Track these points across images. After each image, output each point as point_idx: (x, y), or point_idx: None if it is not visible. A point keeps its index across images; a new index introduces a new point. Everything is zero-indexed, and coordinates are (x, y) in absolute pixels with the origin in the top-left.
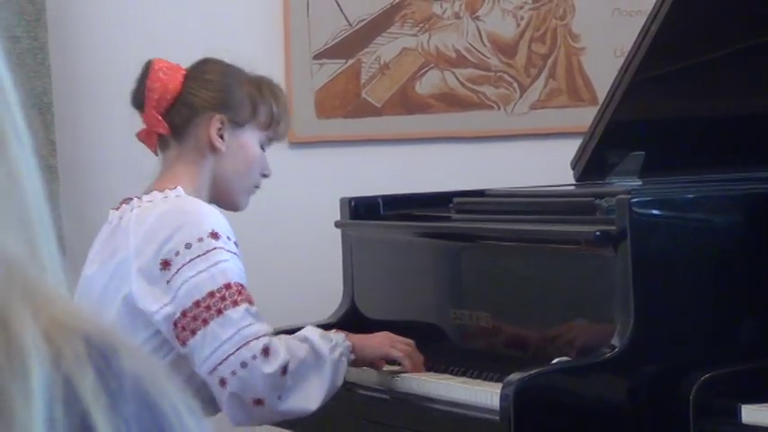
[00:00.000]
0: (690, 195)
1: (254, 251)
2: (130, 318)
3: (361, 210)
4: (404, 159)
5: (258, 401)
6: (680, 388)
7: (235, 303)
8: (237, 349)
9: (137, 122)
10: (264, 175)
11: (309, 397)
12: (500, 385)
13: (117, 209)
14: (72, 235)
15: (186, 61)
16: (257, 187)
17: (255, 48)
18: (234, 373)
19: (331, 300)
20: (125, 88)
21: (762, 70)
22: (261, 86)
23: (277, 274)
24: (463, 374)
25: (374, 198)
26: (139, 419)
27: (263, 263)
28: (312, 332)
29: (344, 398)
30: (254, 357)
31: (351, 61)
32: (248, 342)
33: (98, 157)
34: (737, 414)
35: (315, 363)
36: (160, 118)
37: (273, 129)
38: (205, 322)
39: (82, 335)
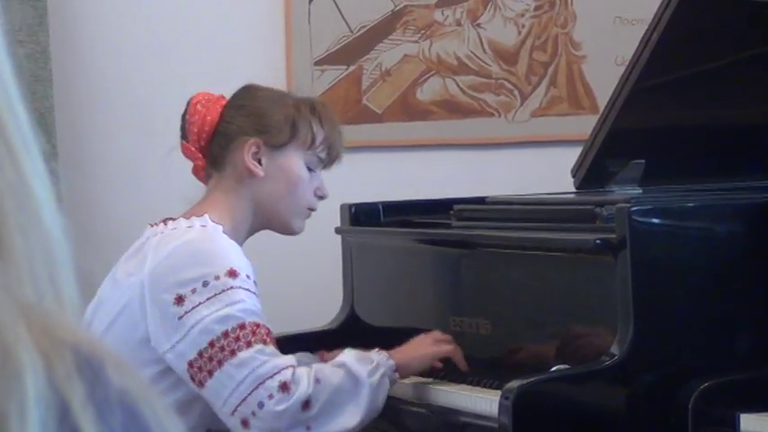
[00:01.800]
0: (690, 204)
1: (255, 257)
2: (142, 352)
3: (361, 216)
4: (404, 166)
5: None
6: (679, 396)
7: (248, 344)
8: (253, 390)
9: (140, 128)
10: (320, 197)
11: (345, 422)
12: (499, 392)
13: (154, 225)
14: (72, 239)
15: (188, 68)
16: (312, 209)
17: (257, 53)
18: (254, 414)
19: (331, 306)
20: (126, 92)
21: (762, 80)
22: (300, 106)
23: (277, 280)
24: (462, 381)
25: (374, 204)
26: (126, 430)
27: (263, 268)
28: (350, 356)
29: None
30: (271, 396)
31: (352, 67)
32: (264, 381)
33: (99, 161)
34: (736, 423)
35: (352, 387)
36: (194, 150)
37: (321, 149)
38: (220, 363)
39: (70, 346)
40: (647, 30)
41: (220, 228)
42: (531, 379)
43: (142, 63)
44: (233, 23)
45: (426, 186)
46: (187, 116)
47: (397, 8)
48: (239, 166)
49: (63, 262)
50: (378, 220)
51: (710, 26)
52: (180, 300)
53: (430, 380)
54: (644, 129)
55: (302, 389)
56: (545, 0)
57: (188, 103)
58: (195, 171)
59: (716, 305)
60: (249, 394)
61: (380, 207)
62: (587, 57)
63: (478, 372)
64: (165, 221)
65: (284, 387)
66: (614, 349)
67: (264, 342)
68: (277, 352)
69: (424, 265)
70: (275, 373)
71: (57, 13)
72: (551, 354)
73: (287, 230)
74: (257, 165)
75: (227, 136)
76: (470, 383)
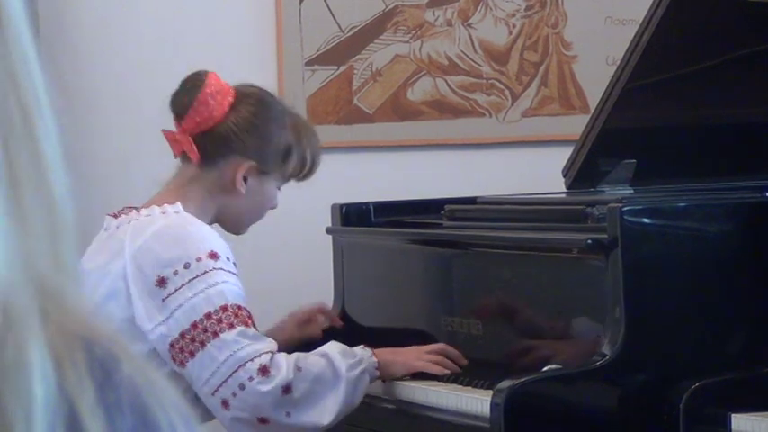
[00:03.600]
0: (681, 204)
1: (245, 257)
2: (128, 333)
3: (352, 216)
4: (395, 166)
5: (263, 420)
6: (670, 396)
7: (230, 326)
8: (234, 372)
9: (131, 128)
10: (272, 208)
11: (322, 412)
12: (490, 392)
13: (115, 216)
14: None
15: (178, 67)
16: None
17: (248, 53)
18: (234, 395)
19: None
20: (117, 92)
21: (753, 79)
22: (300, 134)
23: (268, 280)
24: (453, 381)
25: (365, 205)
26: None
27: (254, 268)
28: (333, 348)
29: None
30: (251, 378)
31: (343, 68)
32: (244, 364)
33: (91, 161)
34: (728, 423)
35: (331, 378)
36: (192, 142)
37: (300, 176)
38: (203, 344)
39: (84, 342)
40: (638, 30)
41: (188, 214)
42: (523, 379)
43: (133, 63)
44: (224, 23)
45: (417, 186)
46: (195, 102)
47: (388, 8)
48: (227, 177)
49: (66, 227)
50: (369, 220)
51: (701, 26)
52: (162, 282)
53: (420, 380)
54: (635, 128)
55: (282, 374)
56: (536, 0)
57: (201, 83)
58: (173, 142)
59: (707, 305)
60: (229, 376)
61: (371, 207)
62: (578, 57)
63: (470, 372)
64: (126, 210)
65: (264, 370)
66: (606, 349)
67: (246, 324)
68: (258, 335)
69: (415, 266)
70: (255, 357)
71: (47, 13)
72: (543, 354)
73: (235, 233)
74: (243, 184)
75: (228, 146)
76: (461, 383)
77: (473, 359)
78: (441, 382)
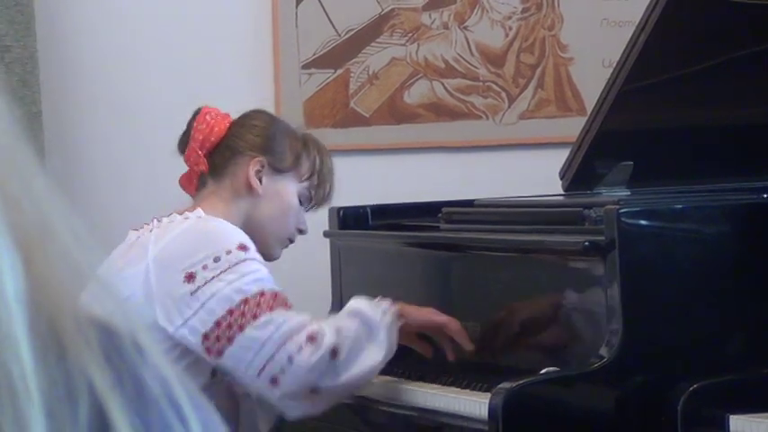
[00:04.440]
0: (678, 206)
1: None
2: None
3: (349, 219)
4: (392, 169)
5: (314, 390)
6: (668, 398)
7: (270, 308)
8: (281, 346)
9: (128, 133)
10: (300, 231)
11: (370, 365)
12: (489, 395)
13: (137, 230)
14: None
15: (175, 72)
16: (292, 241)
17: (244, 57)
18: (283, 370)
19: (320, 309)
20: (114, 97)
21: (750, 81)
22: (307, 142)
23: None
24: (452, 384)
25: (363, 208)
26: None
27: None
28: (360, 303)
29: (333, 407)
30: (300, 349)
31: (339, 71)
32: (291, 336)
33: (87, 165)
34: (726, 424)
35: (369, 332)
36: (201, 154)
37: (314, 187)
38: (241, 328)
39: (112, 333)
40: (635, 32)
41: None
42: (521, 381)
43: (129, 67)
44: (220, 28)
45: (415, 189)
46: (194, 123)
47: (384, 11)
48: (240, 178)
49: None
50: (366, 223)
51: (697, 28)
52: (191, 277)
53: (418, 382)
54: (632, 130)
55: (329, 338)
56: (532, 2)
57: (196, 114)
58: (186, 180)
59: (705, 306)
60: (276, 352)
61: (369, 210)
62: (575, 59)
63: (468, 374)
64: (147, 223)
65: (312, 338)
66: (603, 351)
67: (285, 305)
68: (297, 312)
69: (412, 269)
70: (302, 328)
71: (44, 17)
72: (541, 356)
73: (266, 254)
74: (258, 182)
75: (234, 149)
76: (460, 386)
77: (471, 361)
78: (439, 385)
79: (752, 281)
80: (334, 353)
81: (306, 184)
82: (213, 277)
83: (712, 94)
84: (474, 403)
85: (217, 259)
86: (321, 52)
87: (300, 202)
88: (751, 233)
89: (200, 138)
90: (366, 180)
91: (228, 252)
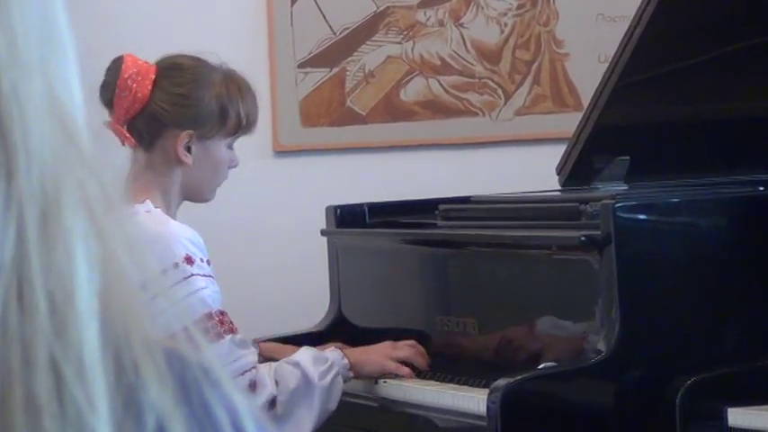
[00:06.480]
0: (674, 199)
1: (240, 260)
2: None
3: (346, 218)
4: (389, 167)
5: None
6: (666, 392)
7: (219, 336)
8: None
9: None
10: (233, 167)
11: (300, 424)
12: (487, 391)
13: None
14: None
15: None
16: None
17: (240, 56)
18: None
19: (318, 308)
20: None
21: (745, 74)
22: (229, 87)
23: (263, 283)
24: (450, 381)
25: (360, 206)
26: None
27: (249, 271)
28: (305, 356)
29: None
30: None
31: (335, 69)
32: (234, 379)
33: None
34: (724, 417)
35: (305, 390)
36: (126, 131)
37: (244, 128)
38: None
39: (181, 358)
40: (630, 26)
41: (159, 211)
42: (519, 377)
43: None
44: (215, 26)
45: (411, 187)
46: (116, 90)
47: (380, 9)
48: (169, 153)
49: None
50: (363, 221)
51: (692, 22)
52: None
53: (416, 379)
54: (628, 125)
55: (267, 389)
56: None
57: (119, 67)
58: (116, 130)
59: (702, 300)
60: None
61: (366, 208)
62: (570, 54)
63: (466, 371)
64: None
65: (252, 386)
66: (601, 346)
67: (233, 330)
68: (245, 341)
69: (410, 266)
70: (246, 370)
71: None
72: (538, 351)
73: (203, 201)
74: (187, 155)
75: (160, 122)
76: (458, 382)
77: (469, 358)
78: (436, 382)
79: (748, 274)
80: (271, 404)
81: (234, 134)
82: (158, 294)
83: (707, 88)
84: (472, 399)
85: (164, 272)
86: (317, 51)
87: (230, 147)
88: (747, 226)
89: (123, 111)
90: (363, 178)
91: (176, 265)
